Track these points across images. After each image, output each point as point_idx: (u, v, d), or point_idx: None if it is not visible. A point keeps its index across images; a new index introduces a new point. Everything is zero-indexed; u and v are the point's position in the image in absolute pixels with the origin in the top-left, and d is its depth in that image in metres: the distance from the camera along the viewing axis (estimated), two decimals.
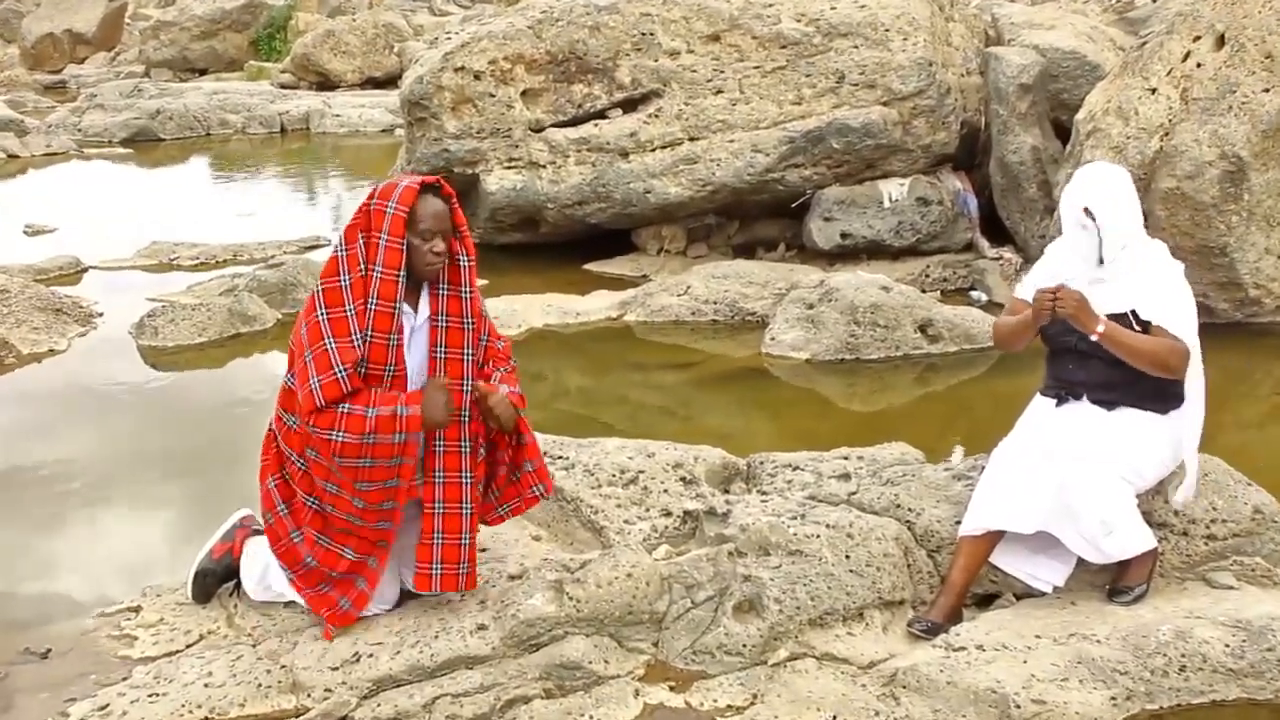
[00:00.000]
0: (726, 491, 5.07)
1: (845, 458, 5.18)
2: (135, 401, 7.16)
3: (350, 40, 22.86)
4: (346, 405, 3.88)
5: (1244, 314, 7.68)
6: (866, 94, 9.31)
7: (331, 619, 4.16)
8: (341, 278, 3.97)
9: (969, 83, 9.82)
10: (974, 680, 3.87)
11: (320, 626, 4.18)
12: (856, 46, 9.36)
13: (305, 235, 11.20)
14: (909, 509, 4.65)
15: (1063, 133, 8.93)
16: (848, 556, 4.33)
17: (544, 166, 9.57)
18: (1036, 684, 3.86)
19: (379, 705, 3.86)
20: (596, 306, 8.64)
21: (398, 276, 3.94)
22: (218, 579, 4.52)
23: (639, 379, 7.63)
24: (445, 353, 4.09)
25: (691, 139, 9.42)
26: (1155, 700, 3.89)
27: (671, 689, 4.02)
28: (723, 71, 9.46)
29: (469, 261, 4.12)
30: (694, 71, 9.47)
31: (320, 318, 3.95)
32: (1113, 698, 3.85)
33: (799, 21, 9.46)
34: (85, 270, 10.06)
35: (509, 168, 9.64)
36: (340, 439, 3.88)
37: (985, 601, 4.50)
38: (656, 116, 9.47)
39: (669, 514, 4.86)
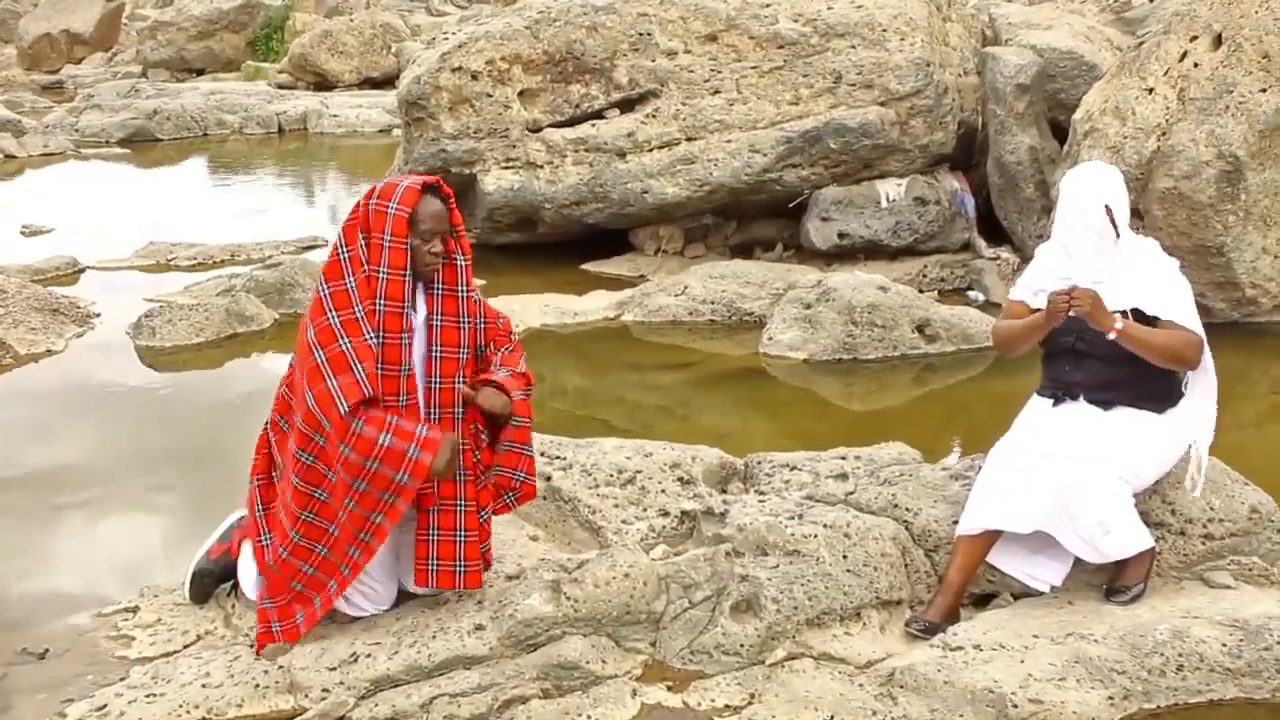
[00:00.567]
0: (724, 491, 5.08)
1: (843, 457, 5.18)
2: (132, 402, 7.15)
3: (348, 40, 22.85)
4: (361, 424, 3.87)
5: (1241, 314, 7.69)
6: (864, 94, 9.32)
7: (286, 635, 4.12)
8: (347, 279, 3.97)
9: (966, 83, 9.83)
10: (971, 680, 3.87)
11: (321, 626, 4.17)
12: (854, 46, 9.37)
13: (303, 235, 11.18)
14: (906, 509, 4.66)
15: (1060, 133, 8.95)
16: (845, 556, 4.33)
17: (541, 167, 9.57)
18: (1034, 683, 3.86)
19: (376, 705, 3.86)
20: (594, 306, 8.64)
21: (404, 276, 3.95)
22: (215, 579, 4.51)
23: (636, 379, 7.63)
24: (441, 351, 4.09)
25: (689, 139, 9.42)
26: (1152, 700, 3.89)
27: (669, 689, 4.02)
28: (720, 72, 9.46)
29: (465, 261, 4.13)
30: (691, 72, 9.47)
31: (331, 320, 3.93)
32: (1110, 697, 3.85)
33: (796, 22, 9.46)
34: (82, 270, 10.05)
35: (506, 168, 9.64)
36: (345, 454, 3.88)
37: (983, 601, 4.51)
38: (654, 117, 9.47)
39: (666, 514, 4.87)
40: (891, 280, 8.07)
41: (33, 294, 8.49)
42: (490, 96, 9.55)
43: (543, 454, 5.15)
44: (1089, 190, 4.48)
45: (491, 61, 9.53)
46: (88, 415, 6.88)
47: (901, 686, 3.93)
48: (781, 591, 4.19)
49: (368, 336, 3.91)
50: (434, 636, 4.09)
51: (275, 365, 7.47)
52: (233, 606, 4.46)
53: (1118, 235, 4.42)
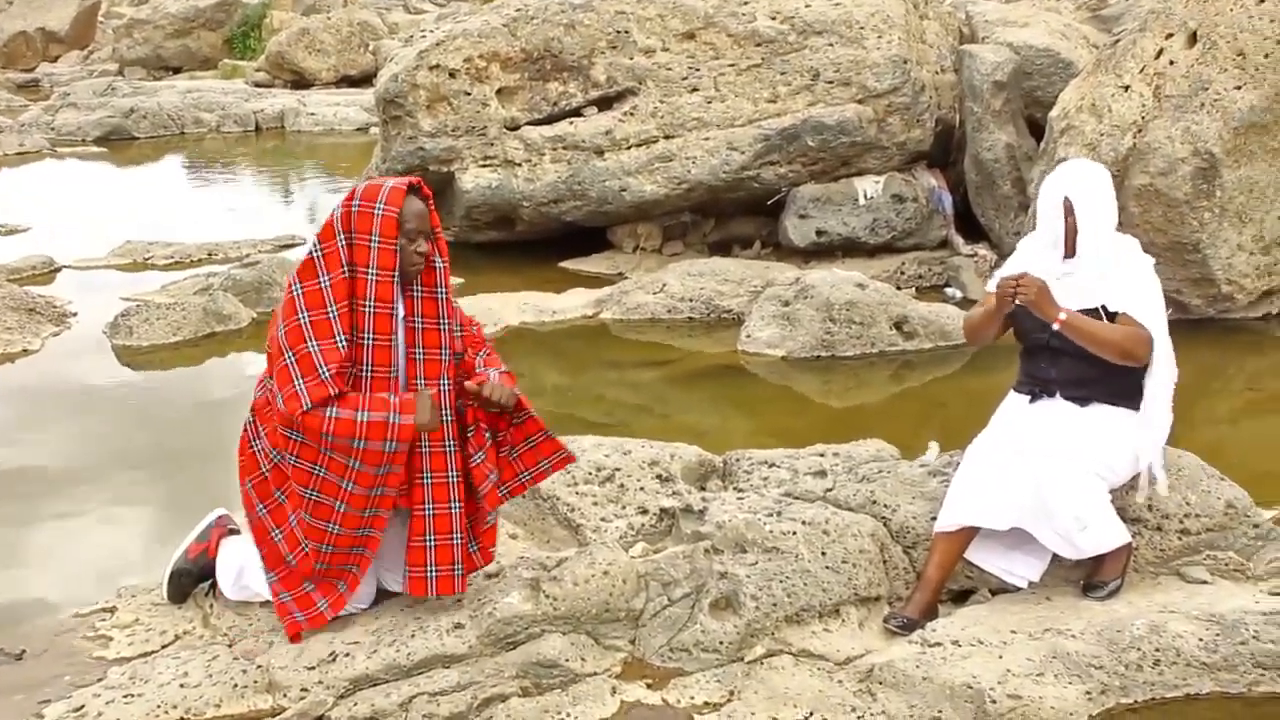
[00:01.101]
0: (703, 489, 5.08)
1: (821, 454, 5.19)
2: (110, 401, 7.13)
3: (325, 38, 22.78)
4: (335, 409, 3.86)
5: (1216, 310, 7.73)
6: (841, 91, 9.33)
7: (311, 622, 4.13)
8: (321, 279, 3.95)
9: (943, 80, 9.85)
10: (950, 676, 3.89)
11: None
12: (831, 44, 9.38)
13: (280, 234, 11.16)
14: (885, 505, 4.67)
15: (1037, 130, 8.98)
16: (824, 553, 4.34)
17: (519, 165, 9.56)
18: (1012, 679, 3.87)
19: (355, 704, 3.85)
20: (572, 304, 8.64)
21: (393, 278, 3.95)
22: (193, 579, 4.50)
23: (615, 377, 7.63)
24: (424, 354, 4.08)
25: (667, 137, 9.42)
26: (1130, 694, 3.91)
27: (649, 686, 4.02)
28: (698, 69, 9.47)
29: (443, 263, 4.13)
30: (669, 69, 9.48)
31: (302, 320, 3.92)
32: (1087, 692, 3.87)
33: (774, 19, 9.47)
34: (59, 270, 10.02)
35: (484, 166, 9.62)
36: (329, 440, 3.87)
37: (961, 597, 4.52)
38: (632, 114, 9.47)
39: (645, 511, 4.87)
40: (869, 277, 8.09)
41: (8, 293, 8.45)
42: (468, 95, 9.54)
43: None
44: (1055, 181, 4.53)
45: (469, 59, 9.52)
46: (64, 415, 6.86)
47: (880, 683, 3.94)
48: (760, 588, 4.20)
49: (338, 339, 3.90)
50: (413, 635, 4.08)
51: (253, 364, 7.46)
52: (211, 606, 4.44)
53: (1076, 228, 4.44)
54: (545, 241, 9.92)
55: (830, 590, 4.27)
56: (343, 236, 3.96)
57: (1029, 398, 4.58)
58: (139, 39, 25.70)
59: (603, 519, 4.83)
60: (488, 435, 4.18)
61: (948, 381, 7.27)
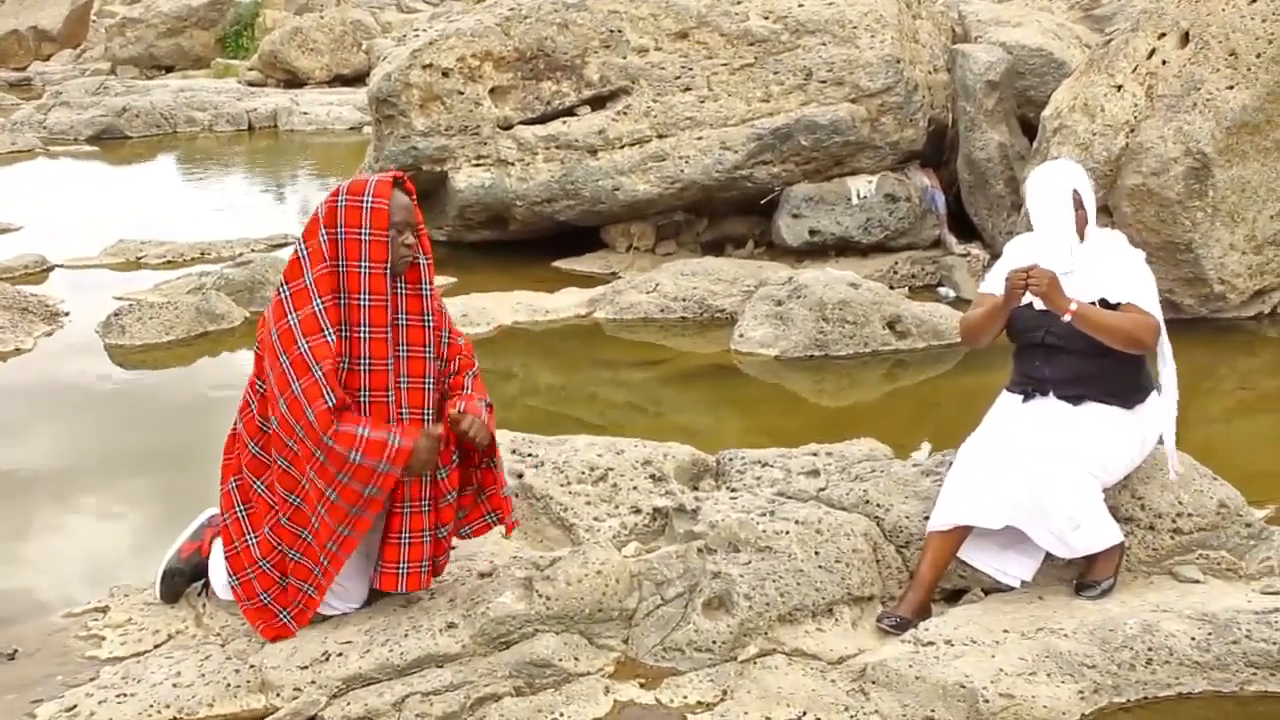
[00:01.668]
0: (696, 488, 5.08)
1: (814, 454, 5.19)
2: (102, 400, 7.12)
3: (318, 37, 22.75)
4: (338, 424, 3.86)
5: (1209, 309, 7.74)
6: (834, 91, 9.33)
7: (266, 633, 4.13)
8: (305, 276, 3.95)
9: (936, 80, 9.86)
10: (943, 675, 3.89)
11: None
12: (824, 44, 9.39)
13: (273, 233, 11.14)
14: (878, 505, 4.67)
15: (1029, 129, 8.98)
16: (817, 553, 4.34)
17: (512, 164, 9.56)
18: (1005, 678, 3.87)
19: (348, 704, 3.85)
20: (566, 304, 8.64)
21: (385, 270, 3.95)
22: (186, 578, 4.49)
23: (608, 376, 7.63)
24: (407, 351, 4.06)
25: (660, 136, 9.42)
26: (1122, 693, 3.91)
27: (642, 686, 4.02)
28: (691, 69, 9.47)
29: (427, 260, 4.12)
30: (662, 69, 9.48)
31: (292, 321, 3.91)
32: (1080, 691, 3.87)
33: (767, 19, 9.47)
34: (51, 269, 10.00)
35: (477, 165, 9.62)
36: (321, 458, 3.87)
37: (954, 596, 4.52)
38: (625, 114, 9.47)
39: (638, 511, 4.87)
40: (862, 277, 8.09)
41: (0, 292, 8.43)
42: (461, 94, 9.53)
43: (514, 451, 5.15)
44: (1050, 179, 4.54)
45: (462, 59, 9.51)
46: (57, 414, 6.85)
47: (873, 682, 3.94)
48: (753, 588, 4.20)
49: (325, 333, 3.89)
50: (406, 635, 4.08)
51: (246, 363, 7.39)
52: (204, 606, 4.44)
53: (1088, 222, 4.47)
54: (538, 241, 9.92)
55: (823, 590, 4.27)
56: (326, 232, 3.94)
57: (1022, 397, 4.59)
58: (131, 38, 25.65)
59: (596, 518, 4.83)
60: (455, 456, 4.16)
61: (941, 381, 7.27)
